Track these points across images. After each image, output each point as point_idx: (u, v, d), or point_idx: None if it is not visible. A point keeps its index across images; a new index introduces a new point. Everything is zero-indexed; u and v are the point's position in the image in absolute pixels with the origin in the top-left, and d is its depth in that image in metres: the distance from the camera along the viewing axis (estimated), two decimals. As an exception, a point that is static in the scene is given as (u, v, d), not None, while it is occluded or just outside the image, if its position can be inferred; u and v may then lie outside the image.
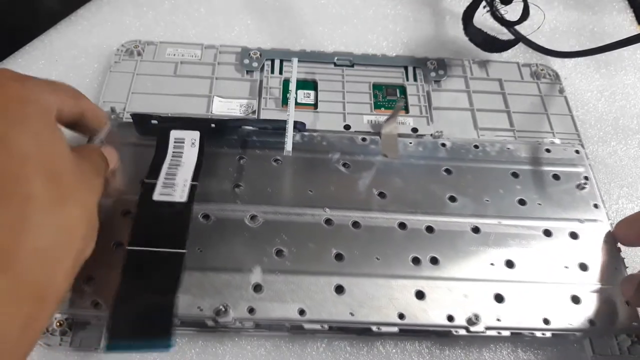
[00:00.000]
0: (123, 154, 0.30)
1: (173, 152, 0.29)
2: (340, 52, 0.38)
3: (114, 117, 0.32)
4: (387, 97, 0.36)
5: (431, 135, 0.34)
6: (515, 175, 0.32)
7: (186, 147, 0.30)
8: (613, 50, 0.35)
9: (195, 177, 0.28)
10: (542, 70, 0.38)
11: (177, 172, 0.28)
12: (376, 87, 0.36)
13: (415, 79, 0.37)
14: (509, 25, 0.37)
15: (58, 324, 0.25)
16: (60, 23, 0.38)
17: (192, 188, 0.28)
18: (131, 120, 0.31)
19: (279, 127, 0.31)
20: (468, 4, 0.37)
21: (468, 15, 0.37)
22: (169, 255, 0.26)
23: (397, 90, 0.36)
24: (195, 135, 0.30)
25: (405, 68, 0.37)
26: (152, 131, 0.31)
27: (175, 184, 0.28)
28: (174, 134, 0.30)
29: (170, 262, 0.25)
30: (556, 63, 0.39)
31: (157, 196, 0.27)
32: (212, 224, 0.28)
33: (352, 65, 0.37)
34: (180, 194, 0.27)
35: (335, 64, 0.37)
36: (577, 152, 0.33)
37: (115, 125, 0.32)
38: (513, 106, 0.36)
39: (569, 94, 0.37)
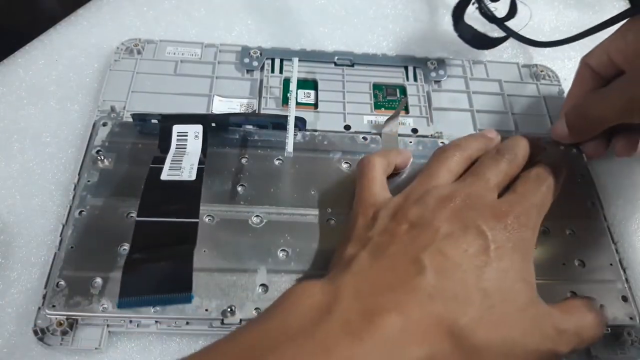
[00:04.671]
0: (123, 154, 0.30)
1: (177, 144, 0.30)
2: (341, 52, 0.38)
3: (114, 117, 0.32)
4: (387, 97, 0.36)
5: (431, 136, 0.34)
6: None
7: (190, 139, 0.30)
8: (600, 32, 0.34)
9: (201, 162, 0.29)
10: (541, 71, 0.38)
11: (183, 158, 0.29)
12: (376, 87, 0.36)
13: (415, 79, 0.37)
14: (497, 22, 0.37)
15: (58, 323, 0.25)
16: (60, 23, 0.38)
17: (200, 170, 0.28)
18: (131, 120, 0.31)
19: (278, 124, 0.32)
20: (459, 0, 0.37)
21: (458, 12, 0.37)
22: (182, 224, 0.26)
23: (397, 91, 0.36)
24: (198, 128, 0.30)
25: (406, 68, 0.37)
26: (153, 131, 0.31)
27: (182, 167, 0.28)
28: (177, 128, 0.30)
29: (184, 229, 0.26)
30: (556, 64, 0.39)
31: (164, 176, 0.28)
32: (217, 225, 0.28)
33: (353, 65, 0.37)
34: (188, 174, 0.28)
35: (335, 64, 0.37)
36: (573, 149, 0.34)
37: (115, 125, 0.32)
38: (512, 107, 0.36)
39: (568, 95, 0.37)
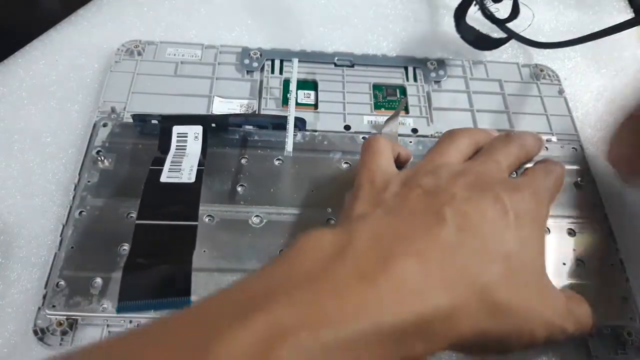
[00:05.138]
0: (123, 155, 0.30)
1: (177, 145, 0.30)
2: (341, 52, 0.38)
3: (114, 117, 0.32)
4: (388, 98, 0.36)
5: (431, 136, 0.34)
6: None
7: (189, 140, 0.30)
8: (602, 39, 0.33)
9: (201, 164, 0.29)
10: (541, 71, 0.38)
11: (183, 160, 0.29)
12: (376, 87, 0.36)
13: (415, 80, 0.37)
14: (499, 23, 0.37)
15: (58, 324, 0.25)
16: (60, 23, 0.38)
17: (200, 172, 0.28)
18: (131, 121, 0.32)
19: (278, 124, 0.32)
20: (460, 1, 0.37)
21: (460, 13, 0.37)
22: (182, 227, 0.26)
23: (397, 91, 0.36)
24: (198, 129, 0.30)
25: (406, 68, 0.37)
26: (153, 131, 0.31)
27: (182, 168, 0.28)
28: (177, 129, 0.30)
29: (183, 232, 0.26)
30: (556, 64, 0.39)
31: (164, 179, 0.28)
32: (217, 225, 0.28)
33: (353, 66, 0.37)
34: (187, 176, 0.28)
35: (335, 64, 0.37)
36: (574, 149, 0.34)
37: (115, 126, 0.32)
38: (512, 107, 0.36)
39: (568, 95, 0.37)
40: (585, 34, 0.34)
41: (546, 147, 0.33)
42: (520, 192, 0.23)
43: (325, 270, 0.18)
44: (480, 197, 0.22)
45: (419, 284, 0.18)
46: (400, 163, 0.29)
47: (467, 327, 0.19)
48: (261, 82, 0.36)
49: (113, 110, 0.32)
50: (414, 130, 0.34)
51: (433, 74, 0.37)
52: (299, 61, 0.35)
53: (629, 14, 0.44)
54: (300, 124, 0.32)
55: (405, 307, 0.18)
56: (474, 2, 0.36)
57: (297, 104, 0.34)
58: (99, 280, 0.26)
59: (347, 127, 0.33)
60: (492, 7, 0.37)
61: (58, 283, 0.25)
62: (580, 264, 0.29)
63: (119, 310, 0.24)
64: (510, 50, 0.40)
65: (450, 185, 0.23)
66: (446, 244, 0.20)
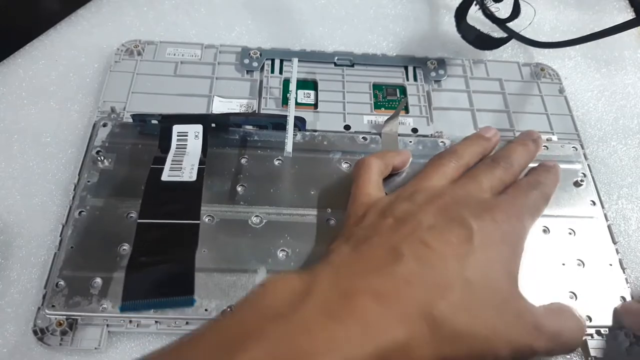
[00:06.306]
0: (123, 155, 0.30)
1: (177, 144, 0.30)
2: (341, 52, 0.38)
3: (114, 117, 0.32)
4: (387, 97, 0.36)
5: (431, 135, 0.34)
6: None
7: (190, 139, 0.30)
8: (603, 38, 0.33)
9: (202, 162, 0.29)
10: (542, 70, 0.38)
11: (183, 159, 0.29)
12: (376, 87, 0.36)
13: (415, 79, 0.37)
14: (500, 22, 0.37)
15: (58, 324, 0.25)
16: (60, 23, 0.38)
17: (200, 170, 0.28)
18: (131, 121, 0.32)
19: (278, 124, 0.32)
20: (461, 1, 0.37)
21: (460, 13, 0.37)
22: (184, 225, 0.27)
23: (397, 90, 0.36)
24: (198, 128, 0.30)
25: (406, 68, 0.37)
26: (153, 131, 0.31)
27: (183, 167, 0.28)
28: (177, 129, 0.30)
29: (185, 231, 0.26)
30: (556, 63, 0.39)
31: (165, 177, 0.28)
32: (217, 225, 0.28)
33: (352, 65, 0.37)
34: (188, 175, 0.28)
35: (335, 64, 0.37)
36: (574, 148, 0.34)
37: (115, 126, 0.32)
38: (513, 106, 0.36)
39: (569, 94, 0.37)
40: (586, 34, 0.34)
41: (546, 147, 0.33)
42: (493, 212, 0.24)
43: (294, 309, 0.19)
44: (445, 223, 0.23)
45: (377, 319, 0.20)
46: (397, 171, 0.30)
47: (425, 356, 0.20)
48: (261, 81, 0.36)
49: (113, 110, 0.32)
50: (414, 130, 0.34)
51: (433, 74, 0.37)
52: (298, 61, 0.34)
53: (629, 14, 0.44)
54: (300, 123, 0.32)
55: (368, 342, 0.19)
56: (475, 2, 0.36)
57: (297, 103, 0.34)
58: (98, 280, 0.26)
59: (347, 127, 0.33)
60: (493, 7, 0.37)
61: (58, 283, 0.25)
62: (580, 264, 0.29)
63: (123, 309, 0.24)
64: (511, 50, 0.40)
65: (420, 210, 0.24)
66: (401, 279, 0.21)
